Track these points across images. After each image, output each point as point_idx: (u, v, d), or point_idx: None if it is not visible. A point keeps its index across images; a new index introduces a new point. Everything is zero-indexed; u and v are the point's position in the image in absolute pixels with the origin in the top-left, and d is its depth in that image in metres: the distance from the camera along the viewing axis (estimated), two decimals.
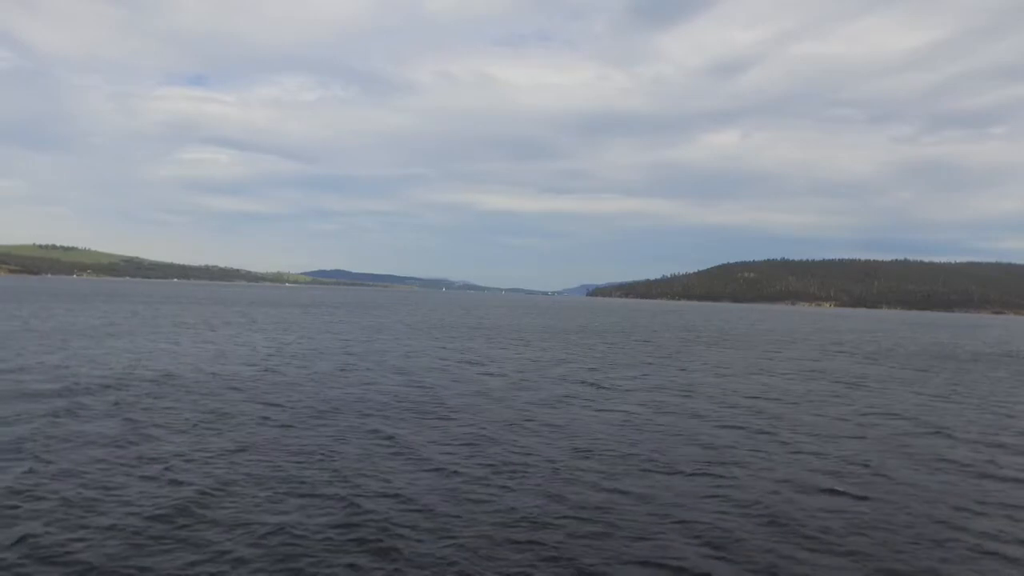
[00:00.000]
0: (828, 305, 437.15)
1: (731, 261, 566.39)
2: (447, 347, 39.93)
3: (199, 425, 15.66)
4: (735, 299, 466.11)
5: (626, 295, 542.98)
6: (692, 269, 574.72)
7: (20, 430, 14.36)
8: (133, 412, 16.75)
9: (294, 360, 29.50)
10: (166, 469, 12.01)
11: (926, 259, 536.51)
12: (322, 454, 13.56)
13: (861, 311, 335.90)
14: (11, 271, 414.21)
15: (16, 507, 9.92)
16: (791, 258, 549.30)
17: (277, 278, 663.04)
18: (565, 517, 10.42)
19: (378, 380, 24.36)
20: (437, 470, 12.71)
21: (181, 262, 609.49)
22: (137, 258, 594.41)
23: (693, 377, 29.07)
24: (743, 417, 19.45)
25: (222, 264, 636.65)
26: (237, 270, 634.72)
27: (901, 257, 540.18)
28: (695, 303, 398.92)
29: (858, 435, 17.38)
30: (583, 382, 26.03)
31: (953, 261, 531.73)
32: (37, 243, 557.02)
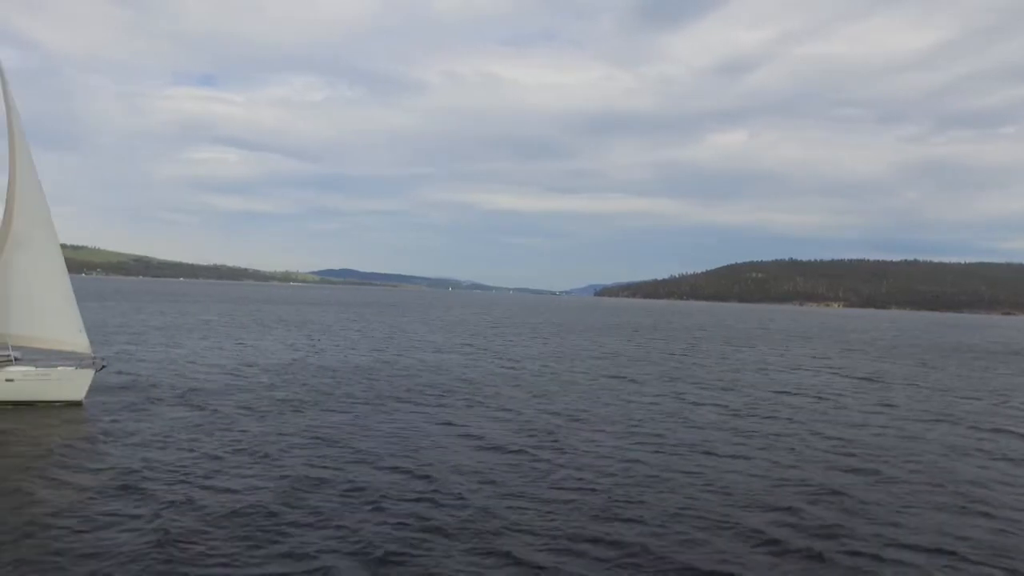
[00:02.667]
0: (837, 306, 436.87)
1: (738, 261, 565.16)
2: (510, 347, 41.32)
3: (369, 403, 17.39)
4: (743, 299, 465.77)
5: (633, 295, 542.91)
6: (698, 269, 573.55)
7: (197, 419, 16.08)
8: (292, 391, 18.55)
9: (385, 354, 31.13)
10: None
11: (935, 259, 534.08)
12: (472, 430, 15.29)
13: (870, 311, 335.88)
14: None
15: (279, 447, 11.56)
16: (799, 258, 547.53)
17: (285, 277, 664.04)
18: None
19: (496, 372, 25.97)
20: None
21: (189, 261, 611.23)
22: (146, 257, 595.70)
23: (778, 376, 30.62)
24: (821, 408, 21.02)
25: (230, 263, 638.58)
26: (245, 269, 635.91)
27: (910, 257, 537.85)
28: (704, 303, 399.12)
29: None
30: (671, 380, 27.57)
31: (963, 261, 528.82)
32: None
